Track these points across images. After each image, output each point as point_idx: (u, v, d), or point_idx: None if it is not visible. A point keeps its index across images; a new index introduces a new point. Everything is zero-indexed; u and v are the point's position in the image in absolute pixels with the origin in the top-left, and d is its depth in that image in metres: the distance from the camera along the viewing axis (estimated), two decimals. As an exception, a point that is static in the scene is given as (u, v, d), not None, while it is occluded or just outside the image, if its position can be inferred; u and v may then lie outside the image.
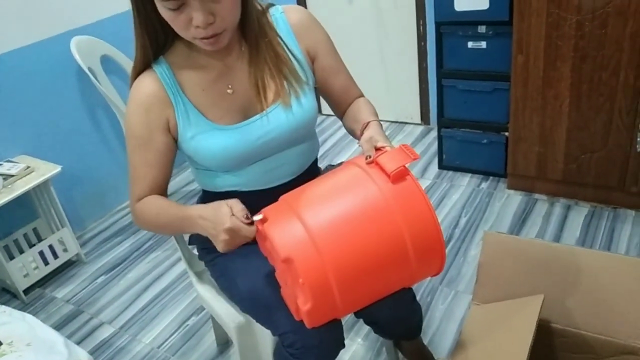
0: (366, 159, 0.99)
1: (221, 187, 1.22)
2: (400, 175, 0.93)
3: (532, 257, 1.25)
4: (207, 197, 1.28)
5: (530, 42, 2.06)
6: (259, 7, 1.15)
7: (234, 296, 1.28)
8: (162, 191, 1.16)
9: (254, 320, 1.24)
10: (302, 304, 0.88)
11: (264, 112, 1.14)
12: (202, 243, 1.32)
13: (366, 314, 1.25)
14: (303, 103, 1.16)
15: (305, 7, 3.17)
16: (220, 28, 1.01)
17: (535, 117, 2.19)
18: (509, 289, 1.25)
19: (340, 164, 1.12)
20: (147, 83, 1.11)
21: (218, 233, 0.97)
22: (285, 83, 1.14)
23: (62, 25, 2.46)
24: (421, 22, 2.88)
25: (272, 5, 1.20)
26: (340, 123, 3.30)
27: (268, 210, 0.97)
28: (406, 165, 0.93)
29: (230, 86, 1.15)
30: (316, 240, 0.88)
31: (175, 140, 1.16)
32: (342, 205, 0.94)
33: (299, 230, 0.90)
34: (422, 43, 2.93)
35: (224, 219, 0.97)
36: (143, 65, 1.12)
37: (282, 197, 1.01)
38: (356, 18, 3.09)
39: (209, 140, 1.12)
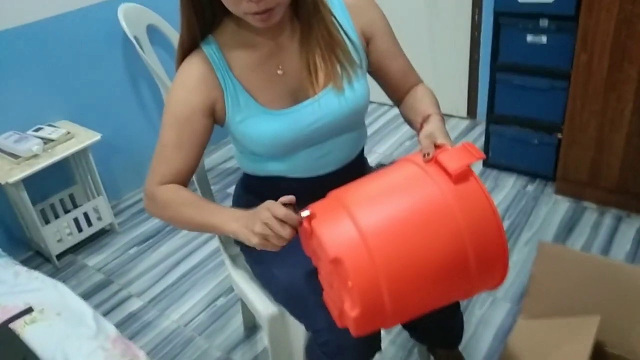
0: (424, 156, 0.91)
1: (266, 172, 1.17)
2: (463, 176, 0.85)
3: (590, 272, 1.16)
4: (250, 181, 1.23)
5: (597, 39, 1.93)
6: None
7: (269, 286, 1.24)
8: (185, 181, 1.10)
9: (288, 313, 1.20)
10: (349, 309, 0.82)
11: (316, 96, 1.07)
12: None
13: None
14: (356, 88, 1.09)
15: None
16: (274, 2, 0.95)
17: (593, 120, 2.07)
18: (561, 305, 1.17)
19: (393, 162, 1.04)
20: (195, 64, 1.06)
21: (254, 223, 0.91)
22: (337, 65, 1.08)
23: (110, -9, 2.43)
24: (477, 11, 2.75)
25: None
26: (381, 111, 3.28)
27: (316, 206, 0.90)
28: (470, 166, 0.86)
29: (280, 67, 1.09)
30: (368, 241, 0.81)
31: (216, 124, 1.10)
32: (398, 205, 0.86)
33: (350, 229, 0.82)
34: (476, 33, 2.81)
35: (260, 211, 0.91)
36: (189, 44, 1.07)
37: (331, 193, 0.94)
38: (408, 1, 2.97)
39: (259, 125, 1.07)
